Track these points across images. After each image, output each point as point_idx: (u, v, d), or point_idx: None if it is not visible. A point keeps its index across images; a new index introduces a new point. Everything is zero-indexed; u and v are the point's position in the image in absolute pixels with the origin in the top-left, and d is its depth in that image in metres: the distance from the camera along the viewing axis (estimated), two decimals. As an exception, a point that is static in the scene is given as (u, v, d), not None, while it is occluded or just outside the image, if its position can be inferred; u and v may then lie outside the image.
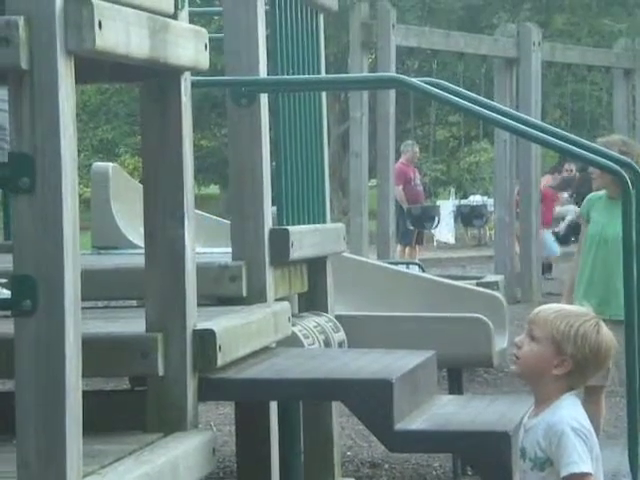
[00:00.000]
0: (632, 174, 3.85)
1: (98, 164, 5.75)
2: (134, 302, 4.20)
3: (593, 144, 4.07)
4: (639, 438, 3.76)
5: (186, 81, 3.30)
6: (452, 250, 19.14)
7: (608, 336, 2.51)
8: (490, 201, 16.06)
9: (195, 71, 3.35)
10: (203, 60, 3.29)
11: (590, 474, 2.44)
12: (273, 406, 3.88)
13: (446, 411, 3.65)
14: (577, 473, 2.43)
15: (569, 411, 2.48)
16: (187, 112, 3.29)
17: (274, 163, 4.29)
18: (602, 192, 5.18)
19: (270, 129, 4.18)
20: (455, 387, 5.23)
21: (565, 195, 14.70)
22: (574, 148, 3.85)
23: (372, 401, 3.36)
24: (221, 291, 3.95)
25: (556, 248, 13.74)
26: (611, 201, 5.03)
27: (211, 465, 3.23)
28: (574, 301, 5.00)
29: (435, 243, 19.95)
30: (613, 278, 4.93)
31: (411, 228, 14.28)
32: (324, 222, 4.70)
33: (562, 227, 13.78)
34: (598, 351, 2.49)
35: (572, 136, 3.98)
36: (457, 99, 3.81)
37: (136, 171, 19.04)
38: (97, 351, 3.09)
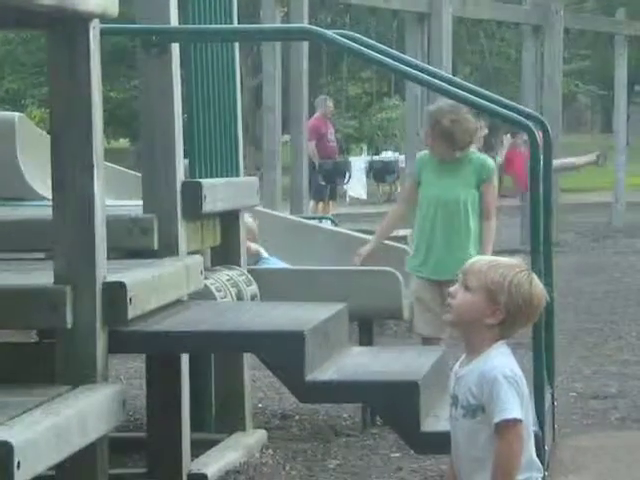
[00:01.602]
0: (540, 127, 3.90)
1: (4, 114, 5.61)
2: (41, 255, 4.14)
3: (502, 98, 4.11)
4: (545, 389, 3.85)
5: (95, 29, 3.24)
6: (364, 206, 19.22)
7: (540, 288, 2.57)
8: (402, 157, 16.16)
9: (104, 18, 3.28)
10: (112, 7, 3.23)
11: (521, 420, 2.50)
12: (184, 358, 3.88)
13: (356, 362, 3.69)
14: (509, 419, 2.49)
15: (501, 359, 2.54)
16: (96, 60, 3.23)
17: (186, 115, 4.25)
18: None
19: (182, 81, 4.13)
20: (366, 339, 5.28)
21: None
22: (483, 102, 3.89)
23: (284, 353, 3.38)
24: (132, 244, 3.91)
25: None
26: (443, 165, 5.06)
27: (120, 417, 3.22)
28: (414, 259, 5.10)
29: (347, 199, 20.02)
30: (452, 241, 5.02)
31: (323, 183, 14.32)
32: (237, 175, 4.67)
33: None
34: (530, 301, 2.55)
35: (482, 90, 4.02)
36: (369, 51, 3.81)
37: (42, 123, 18.64)
38: (3, 303, 3.04)
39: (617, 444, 4.76)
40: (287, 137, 11.82)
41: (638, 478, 4.26)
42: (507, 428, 2.49)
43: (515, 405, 2.50)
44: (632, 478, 4.26)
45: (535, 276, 2.60)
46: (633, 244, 12.83)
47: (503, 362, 2.54)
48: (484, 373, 2.53)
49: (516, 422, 2.50)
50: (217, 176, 4.43)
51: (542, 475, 2.58)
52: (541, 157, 3.74)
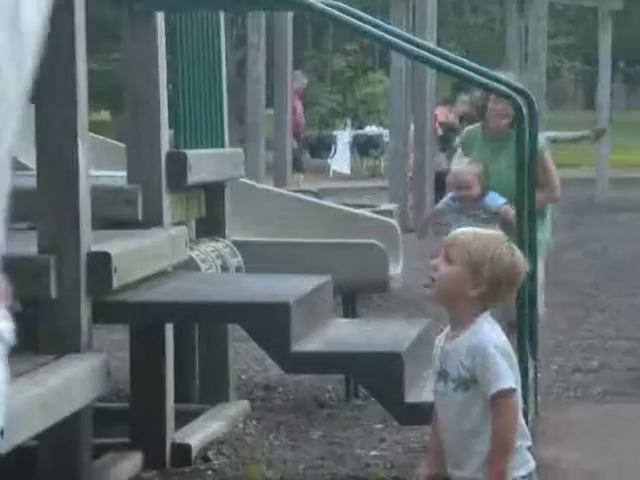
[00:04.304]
0: (525, 101, 3.90)
1: (-13, 84, 5.55)
2: (24, 225, 4.11)
3: (488, 70, 4.10)
4: (528, 362, 3.87)
5: (80, -4, 3.21)
6: (347, 180, 19.20)
7: (521, 259, 2.59)
8: (386, 132, 16.13)
9: (89, -14, 3.26)
10: (97, -25, 3.20)
11: (515, 389, 2.51)
12: (169, 329, 3.87)
13: (341, 333, 3.70)
14: (506, 389, 2.50)
15: (490, 331, 2.54)
16: (80, 28, 3.20)
17: (171, 85, 4.22)
18: (478, 127, 5.07)
19: (167, 51, 4.10)
20: (349, 312, 5.29)
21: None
22: (469, 73, 3.87)
23: (269, 323, 3.38)
24: (116, 214, 3.90)
25: None
26: (488, 143, 4.95)
27: (105, 387, 3.22)
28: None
29: (331, 173, 19.99)
30: None
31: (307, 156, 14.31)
32: (222, 147, 4.65)
33: None
34: (512, 272, 2.57)
35: (468, 62, 4.00)
36: (355, 21, 3.78)
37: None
38: (-12, 272, 3.02)
39: (598, 417, 4.80)
40: (271, 111, 11.77)
41: (618, 450, 4.29)
42: (503, 398, 2.49)
43: (509, 375, 2.50)
44: (612, 450, 4.30)
45: (516, 247, 2.62)
46: (616, 219, 12.88)
47: (492, 333, 2.55)
48: (474, 345, 2.53)
49: (512, 392, 2.51)
50: (202, 147, 4.41)
51: (530, 443, 2.59)
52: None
